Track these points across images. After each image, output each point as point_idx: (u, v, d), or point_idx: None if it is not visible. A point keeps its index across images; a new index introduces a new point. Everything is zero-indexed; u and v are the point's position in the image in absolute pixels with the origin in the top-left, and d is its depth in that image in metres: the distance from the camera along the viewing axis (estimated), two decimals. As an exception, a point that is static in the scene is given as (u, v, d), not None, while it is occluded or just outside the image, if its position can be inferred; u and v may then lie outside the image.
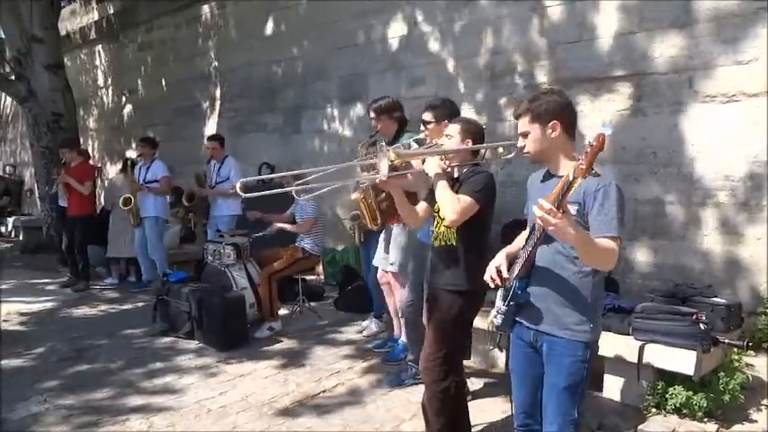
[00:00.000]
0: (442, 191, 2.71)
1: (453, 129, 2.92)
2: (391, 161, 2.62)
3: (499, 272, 2.25)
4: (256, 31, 8.09)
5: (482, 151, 3.01)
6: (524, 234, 2.46)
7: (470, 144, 2.88)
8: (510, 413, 2.50)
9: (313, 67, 7.33)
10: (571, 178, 1.79)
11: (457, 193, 2.74)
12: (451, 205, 2.67)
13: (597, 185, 2.03)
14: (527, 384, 2.32)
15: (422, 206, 2.99)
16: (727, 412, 3.32)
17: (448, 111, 3.55)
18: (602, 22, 4.71)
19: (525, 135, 2.22)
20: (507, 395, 3.28)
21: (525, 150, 2.25)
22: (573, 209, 2.04)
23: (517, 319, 2.27)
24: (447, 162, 2.81)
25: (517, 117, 2.24)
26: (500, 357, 4.01)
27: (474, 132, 2.92)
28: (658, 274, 4.51)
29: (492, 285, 2.30)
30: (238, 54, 8.46)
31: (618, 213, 2.02)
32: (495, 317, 2.30)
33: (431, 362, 2.85)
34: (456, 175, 2.89)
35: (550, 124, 2.17)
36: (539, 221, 1.87)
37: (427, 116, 3.56)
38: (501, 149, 3.27)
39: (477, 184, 2.77)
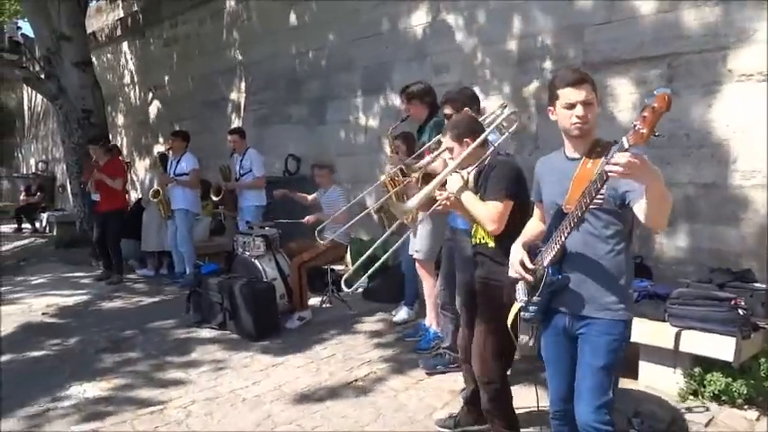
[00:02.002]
0: (473, 205, 2.68)
1: (446, 141, 2.86)
2: (405, 213, 2.76)
3: (524, 265, 2.23)
4: (280, 22, 8.11)
5: (489, 138, 2.94)
6: (532, 223, 2.48)
7: (470, 141, 2.81)
8: (536, 400, 2.56)
9: (337, 57, 7.32)
10: (627, 145, 1.70)
11: (485, 191, 2.71)
12: (487, 216, 2.65)
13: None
14: (561, 372, 2.30)
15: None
16: (767, 399, 3.25)
17: (465, 99, 3.60)
18: (632, 2, 4.60)
19: (589, 104, 2.08)
20: (531, 382, 3.30)
21: (586, 120, 2.08)
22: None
23: (552, 306, 2.22)
24: (466, 171, 2.76)
25: (578, 84, 2.09)
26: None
27: (465, 128, 2.85)
28: (693, 259, 4.41)
29: (518, 278, 2.27)
30: (262, 46, 8.50)
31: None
32: (525, 311, 2.26)
33: (487, 364, 2.78)
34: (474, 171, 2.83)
35: (599, 100, 2.14)
36: (621, 170, 1.72)
37: (447, 110, 3.61)
38: (504, 123, 3.18)
39: (501, 179, 2.70)
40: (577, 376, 2.19)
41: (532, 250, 2.28)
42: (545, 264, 2.16)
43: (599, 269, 2.12)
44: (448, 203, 2.73)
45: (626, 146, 1.71)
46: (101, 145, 7.32)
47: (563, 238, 2.07)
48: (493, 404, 2.81)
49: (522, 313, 2.30)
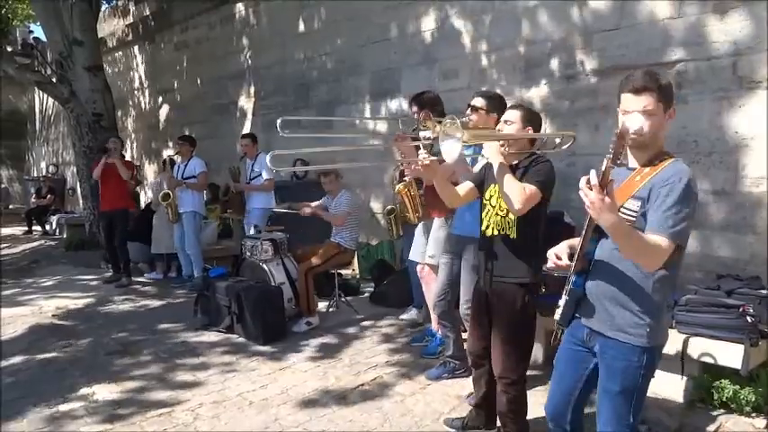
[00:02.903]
0: (509, 180, 2.59)
1: (514, 115, 2.81)
2: (465, 142, 2.38)
3: (558, 257, 2.14)
4: (289, 28, 8.16)
5: (539, 141, 2.94)
6: None
7: (531, 131, 2.79)
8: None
9: (346, 62, 7.36)
10: (603, 168, 1.71)
11: (520, 180, 2.65)
12: (519, 194, 2.56)
13: (666, 181, 1.88)
14: (565, 382, 2.26)
15: (465, 186, 2.87)
16: (776, 407, 3.24)
17: (500, 105, 3.46)
18: (641, 8, 4.61)
19: (649, 114, 1.92)
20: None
21: (642, 132, 1.92)
22: (635, 204, 1.93)
23: (576, 314, 2.15)
24: (506, 149, 2.72)
25: (639, 92, 1.93)
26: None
27: (534, 121, 2.85)
28: (701, 265, 4.39)
29: (553, 270, 2.22)
30: (272, 51, 8.55)
31: (678, 214, 1.83)
32: (556, 310, 2.19)
33: (510, 364, 2.77)
34: (514, 162, 2.79)
35: (671, 110, 1.97)
36: (581, 196, 1.75)
37: (479, 102, 3.41)
38: (558, 140, 3.14)
39: (541, 173, 2.69)
40: (597, 395, 2.13)
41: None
42: (572, 269, 2.09)
43: (621, 286, 1.99)
44: (423, 166, 2.62)
45: (603, 168, 1.72)
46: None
47: (581, 241, 2.03)
48: (511, 405, 2.81)
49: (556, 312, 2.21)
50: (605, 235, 1.95)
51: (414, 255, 4.53)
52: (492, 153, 2.65)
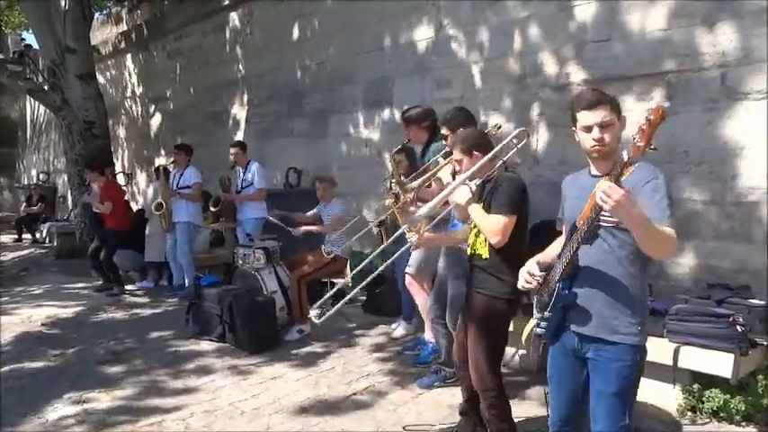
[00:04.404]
0: (478, 217, 2.77)
1: (456, 154, 2.98)
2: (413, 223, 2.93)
3: (532, 275, 2.21)
4: (283, 36, 8.18)
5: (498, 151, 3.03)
6: (560, 240, 2.41)
7: (479, 154, 2.91)
8: (523, 416, 2.51)
9: (339, 71, 7.38)
10: (626, 158, 1.77)
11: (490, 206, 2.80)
12: (492, 229, 2.73)
13: (645, 180, 2.00)
14: (566, 392, 2.28)
15: (464, 230, 3.09)
16: (766, 416, 3.25)
17: (461, 119, 3.72)
18: (632, 19, 4.65)
19: (606, 126, 2.05)
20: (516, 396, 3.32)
21: (603, 143, 2.06)
22: None
23: (564, 324, 2.18)
24: (473, 182, 2.84)
25: (593, 107, 2.06)
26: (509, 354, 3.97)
27: (474, 142, 2.95)
28: (691, 275, 4.42)
29: (526, 289, 2.28)
30: (265, 60, 8.57)
31: (670, 206, 1.98)
32: (538, 326, 2.24)
33: (486, 369, 2.83)
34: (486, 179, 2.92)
35: (622, 119, 2.11)
36: (599, 201, 1.81)
37: (444, 131, 3.72)
38: (514, 140, 3.22)
39: (504, 197, 2.79)
40: (591, 401, 2.16)
41: (550, 267, 2.25)
42: (556, 278, 2.13)
43: (612, 289, 2.08)
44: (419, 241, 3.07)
45: (625, 158, 1.78)
46: (93, 168, 7.38)
47: (571, 253, 2.07)
48: (492, 411, 2.85)
49: (535, 329, 2.27)
50: (588, 242, 2.06)
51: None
52: (459, 197, 2.82)
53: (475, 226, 2.90)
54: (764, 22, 3.98)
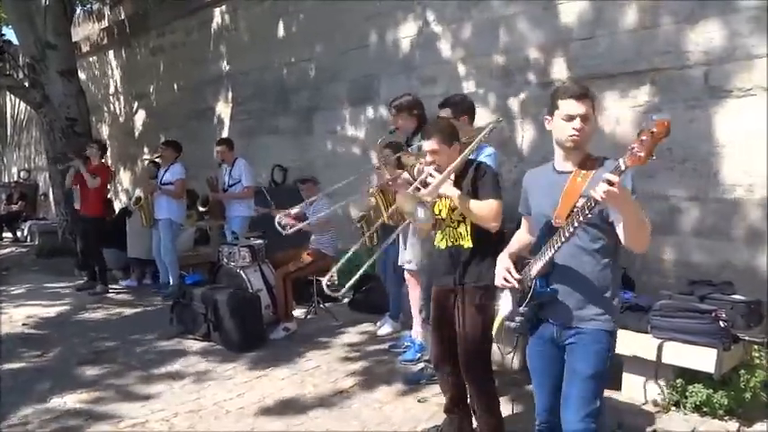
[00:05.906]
0: (475, 205, 2.74)
1: (431, 144, 2.87)
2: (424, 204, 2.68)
3: (511, 274, 2.26)
4: (268, 34, 8.12)
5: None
6: (520, 235, 2.50)
7: (457, 144, 2.91)
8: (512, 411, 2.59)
9: (325, 69, 7.34)
10: (623, 167, 1.79)
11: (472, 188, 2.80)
12: (490, 214, 2.73)
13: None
14: (548, 382, 2.31)
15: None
16: (748, 410, 3.29)
17: (467, 106, 3.67)
18: (616, 18, 4.68)
19: (586, 120, 2.12)
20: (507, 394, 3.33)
21: (581, 134, 2.11)
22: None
23: (540, 317, 2.25)
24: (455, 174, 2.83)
25: (581, 98, 2.11)
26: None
27: (451, 132, 2.92)
28: (675, 271, 4.46)
29: (504, 287, 2.31)
30: (250, 57, 8.50)
31: (636, 197, 2.04)
32: (512, 320, 2.28)
33: (476, 358, 2.84)
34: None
35: (596, 112, 2.19)
36: (597, 195, 1.84)
37: (445, 113, 3.59)
38: (491, 125, 3.27)
39: (490, 183, 2.82)
40: (565, 384, 2.20)
41: (519, 261, 2.30)
42: (532, 275, 2.18)
43: (585, 282, 2.15)
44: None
45: (622, 167, 1.80)
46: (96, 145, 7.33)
47: (552, 252, 2.10)
48: (481, 399, 2.87)
49: (507, 323, 2.31)
50: (568, 240, 2.09)
51: (402, 260, 4.52)
52: (451, 191, 2.78)
53: (445, 219, 2.89)
54: (747, 20, 4.02)
